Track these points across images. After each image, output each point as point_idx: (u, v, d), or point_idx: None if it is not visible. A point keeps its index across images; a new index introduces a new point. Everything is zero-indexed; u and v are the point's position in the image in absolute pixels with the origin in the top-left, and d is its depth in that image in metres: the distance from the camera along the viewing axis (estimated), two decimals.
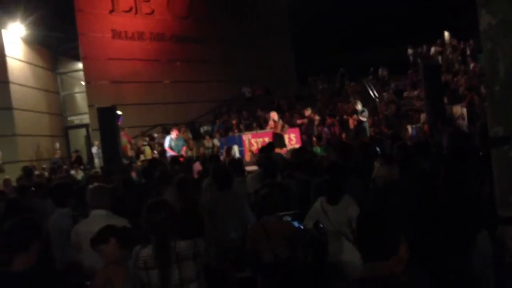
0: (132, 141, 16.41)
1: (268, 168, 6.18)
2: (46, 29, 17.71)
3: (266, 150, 8.67)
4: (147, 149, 15.80)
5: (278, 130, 12.88)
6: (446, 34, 22.86)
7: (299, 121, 15.62)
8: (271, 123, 13.17)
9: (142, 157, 15.14)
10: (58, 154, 17.76)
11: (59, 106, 20.89)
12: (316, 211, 4.51)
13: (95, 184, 4.63)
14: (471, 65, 18.23)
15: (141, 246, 3.25)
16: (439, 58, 20.77)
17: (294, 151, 8.35)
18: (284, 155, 9.63)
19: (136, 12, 20.21)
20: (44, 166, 15.67)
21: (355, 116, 14.36)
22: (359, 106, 14.53)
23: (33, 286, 2.70)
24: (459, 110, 14.05)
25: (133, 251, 3.27)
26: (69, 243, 4.33)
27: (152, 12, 20.63)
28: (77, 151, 18.26)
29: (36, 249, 2.85)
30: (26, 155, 17.35)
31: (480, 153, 5.85)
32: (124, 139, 14.64)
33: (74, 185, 6.92)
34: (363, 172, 5.30)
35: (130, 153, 15.23)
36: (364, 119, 14.20)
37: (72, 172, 14.30)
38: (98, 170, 9.90)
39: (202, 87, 21.13)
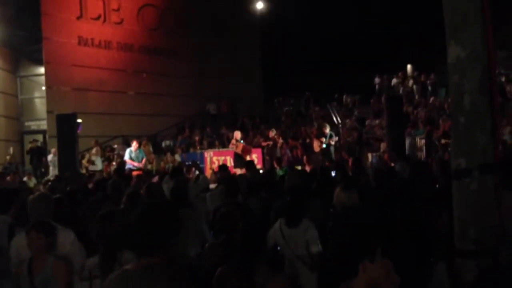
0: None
1: (230, 187, 6.10)
2: (9, 29, 17.16)
3: (224, 169, 8.65)
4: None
5: (239, 151, 12.82)
6: (409, 67, 23.63)
7: (263, 143, 15.61)
8: (233, 141, 13.11)
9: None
10: (9, 159, 16.99)
11: (17, 110, 20.17)
12: (274, 233, 4.45)
13: (36, 193, 4.44)
14: (431, 99, 18.80)
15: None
16: (400, 89, 21.37)
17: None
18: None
19: (104, 20, 19.92)
20: None
21: (322, 139, 14.39)
22: (327, 130, 14.59)
23: None
24: (418, 141, 14.39)
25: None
26: None
27: (121, 21, 20.39)
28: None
29: None
30: None
31: (437, 185, 5.97)
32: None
33: (24, 192, 6.59)
34: (324, 195, 5.30)
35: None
36: (333, 142, 14.26)
37: (25, 179, 13.73)
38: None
39: (167, 101, 20.91)
